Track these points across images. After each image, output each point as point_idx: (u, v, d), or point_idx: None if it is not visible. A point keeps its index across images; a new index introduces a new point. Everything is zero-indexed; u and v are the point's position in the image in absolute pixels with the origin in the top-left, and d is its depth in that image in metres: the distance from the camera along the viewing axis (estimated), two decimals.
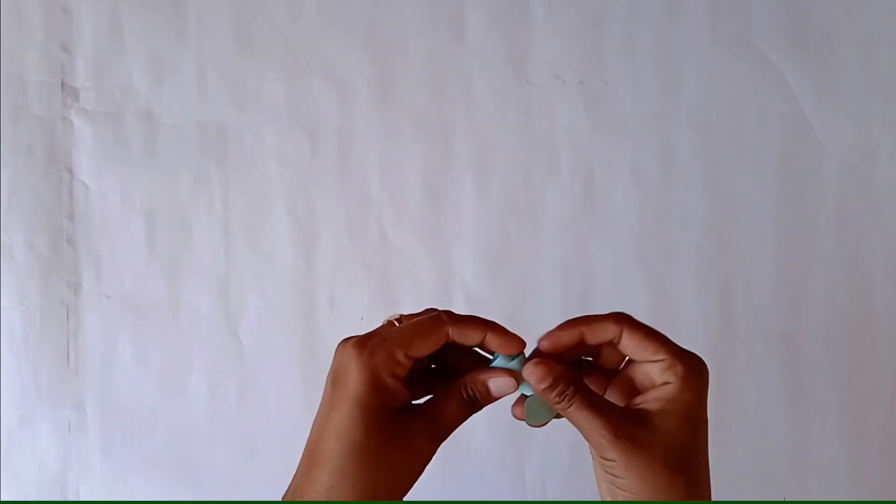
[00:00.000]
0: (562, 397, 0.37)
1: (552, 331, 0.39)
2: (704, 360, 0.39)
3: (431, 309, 0.40)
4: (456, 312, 0.39)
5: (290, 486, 0.38)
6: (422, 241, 0.67)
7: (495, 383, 0.38)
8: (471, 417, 0.39)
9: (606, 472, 0.37)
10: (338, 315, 0.68)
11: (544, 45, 0.67)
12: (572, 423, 0.37)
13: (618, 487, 0.36)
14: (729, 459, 0.65)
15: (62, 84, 0.69)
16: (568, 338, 0.38)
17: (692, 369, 0.37)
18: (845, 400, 0.64)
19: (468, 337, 0.38)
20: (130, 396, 0.69)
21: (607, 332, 0.38)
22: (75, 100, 0.69)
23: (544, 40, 0.67)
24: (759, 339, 0.65)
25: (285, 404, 0.68)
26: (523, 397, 0.40)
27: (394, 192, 0.68)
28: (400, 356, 0.36)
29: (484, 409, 0.67)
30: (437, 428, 0.38)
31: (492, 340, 0.38)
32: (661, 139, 0.66)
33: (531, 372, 0.37)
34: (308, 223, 0.68)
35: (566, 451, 0.66)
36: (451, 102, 0.67)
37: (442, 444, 0.39)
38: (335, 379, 0.37)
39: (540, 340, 0.39)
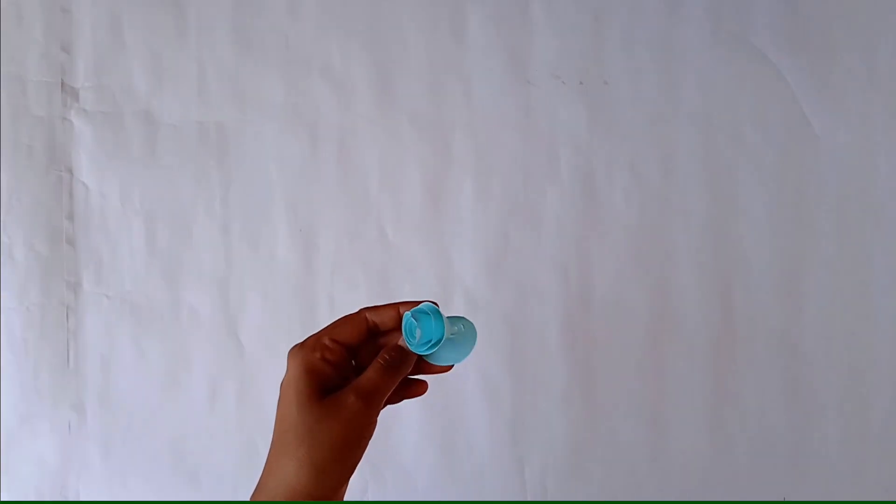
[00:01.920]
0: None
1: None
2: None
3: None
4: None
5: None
6: (422, 242, 0.67)
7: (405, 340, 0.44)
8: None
9: None
10: (338, 315, 0.68)
11: (544, 45, 0.67)
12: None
13: None
14: (729, 459, 0.65)
15: (62, 84, 0.69)
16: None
17: None
18: (845, 400, 0.64)
19: (384, 315, 0.45)
20: (130, 396, 0.69)
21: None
22: (75, 100, 0.69)
23: (544, 40, 0.67)
24: (759, 339, 0.65)
25: None
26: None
27: (394, 192, 0.68)
28: (326, 340, 0.43)
29: (481, 409, 0.67)
30: (366, 394, 0.41)
31: (405, 310, 0.44)
32: (661, 139, 0.66)
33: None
34: (308, 223, 0.68)
35: (566, 451, 0.66)
36: (451, 102, 0.67)
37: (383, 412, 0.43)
38: (281, 383, 0.43)
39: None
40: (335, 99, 0.68)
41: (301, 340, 0.43)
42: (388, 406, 0.45)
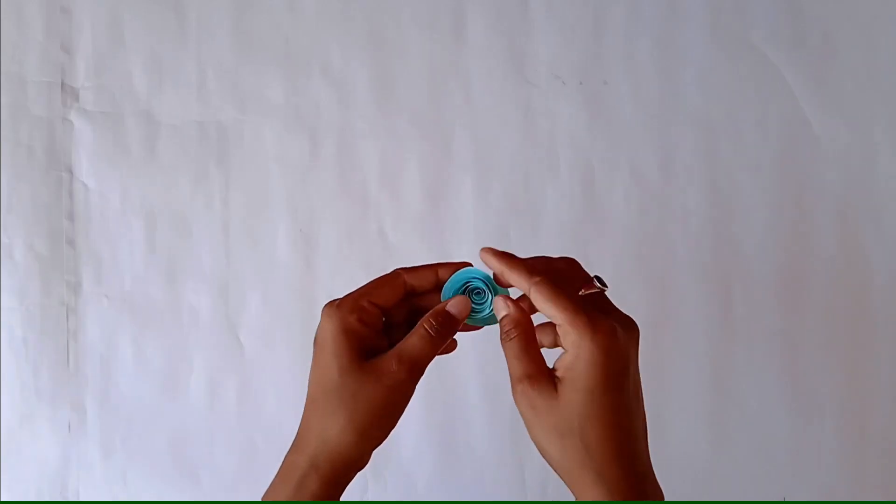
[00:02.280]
0: (504, 332, 0.41)
1: (490, 256, 0.42)
2: (640, 328, 0.40)
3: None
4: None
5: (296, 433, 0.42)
6: (422, 242, 0.67)
7: (453, 305, 0.42)
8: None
9: None
10: None
11: (544, 45, 0.67)
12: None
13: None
14: (729, 459, 0.65)
15: (62, 84, 0.69)
16: (496, 267, 0.42)
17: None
18: (845, 400, 0.64)
19: (422, 277, 0.43)
20: (130, 396, 0.69)
21: (521, 284, 0.40)
22: (75, 100, 0.69)
23: (544, 40, 0.67)
24: (759, 339, 0.65)
25: (285, 404, 0.68)
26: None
27: (394, 192, 0.68)
28: (364, 303, 0.41)
29: (481, 409, 0.67)
30: (410, 362, 0.41)
31: (444, 273, 0.43)
32: (661, 139, 0.66)
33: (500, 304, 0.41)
34: (308, 223, 0.68)
35: None
36: (451, 102, 0.67)
37: (421, 381, 0.42)
38: (315, 339, 0.42)
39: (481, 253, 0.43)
40: (335, 99, 0.68)
41: (336, 298, 0.42)
42: None
